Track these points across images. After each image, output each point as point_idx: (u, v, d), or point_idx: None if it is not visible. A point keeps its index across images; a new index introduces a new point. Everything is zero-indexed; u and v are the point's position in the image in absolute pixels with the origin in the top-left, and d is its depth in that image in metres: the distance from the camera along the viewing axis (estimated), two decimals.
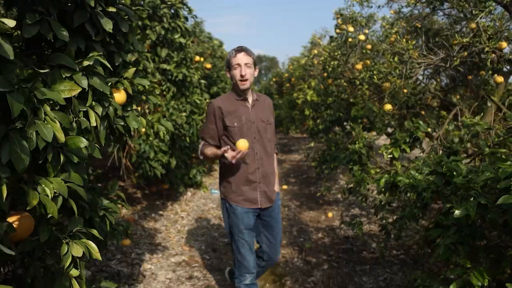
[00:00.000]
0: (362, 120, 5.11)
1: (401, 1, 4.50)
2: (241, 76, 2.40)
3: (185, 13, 4.30)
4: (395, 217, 3.15)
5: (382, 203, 3.17)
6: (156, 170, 4.02)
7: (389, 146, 2.52)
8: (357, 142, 3.17)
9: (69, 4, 1.33)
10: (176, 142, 4.29)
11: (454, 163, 1.82)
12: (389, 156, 2.89)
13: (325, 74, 5.52)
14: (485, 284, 1.66)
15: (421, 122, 2.42)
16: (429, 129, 3.86)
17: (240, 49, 2.43)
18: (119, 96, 1.69)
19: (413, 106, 4.58)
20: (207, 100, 5.78)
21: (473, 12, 3.12)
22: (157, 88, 2.01)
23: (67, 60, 1.34)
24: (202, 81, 4.98)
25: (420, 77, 5.07)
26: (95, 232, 1.48)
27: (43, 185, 1.21)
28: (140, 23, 2.78)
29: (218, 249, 4.19)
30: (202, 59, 6.53)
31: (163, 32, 3.81)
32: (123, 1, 1.66)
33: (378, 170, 3.25)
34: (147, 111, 3.45)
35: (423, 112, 5.36)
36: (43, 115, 1.16)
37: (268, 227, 2.68)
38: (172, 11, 4.04)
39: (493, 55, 2.88)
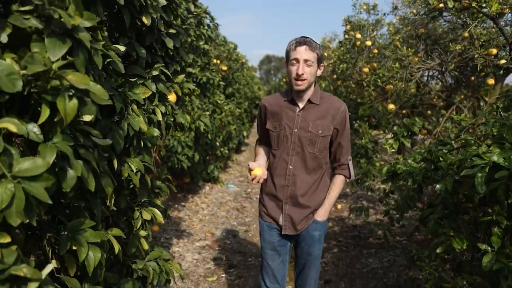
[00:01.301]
0: (370, 119, 5.51)
1: (405, 9, 4.90)
2: (297, 75, 1.98)
3: (207, 21, 4.74)
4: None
5: (386, 191, 3.58)
6: (183, 163, 4.47)
7: (390, 139, 2.92)
8: (363, 138, 3.58)
9: (143, 29, 1.77)
10: (200, 138, 4.74)
11: (441, 152, 2.22)
12: (392, 150, 3.29)
13: (335, 76, 5.93)
14: (464, 248, 2.06)
15: (417, 119, 2.82)
16: (431, 127, 4.27)
17: (302, 41, 1.99)
18: (171, 97, 2.13)
19: (415, 106, 4.97)
20: (223, 101, 6.23)
21: (468, 22, 3.51)
22: (197, 91, 2.45)
23: (140, 71, 1.78)
24: (221, 83, 5.42)
25: (426, 78, 5.47)
26: (158, 202, 1.92)
27: (129, 163, 1.64)
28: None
29: (238, 235, 4.63)
30: (218, 61, 6.98)
31: (189, 39, 4.24)
32: (174, 21, 2.10)
33: (382, 163, 3.66)
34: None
35: (429, 112, 5.75)
36: (131, 112, 1.60)
37: (297, 255, 2.28)
38: (197, 20, 4.48)
39: (482, 60, 3.27)
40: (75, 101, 0.87)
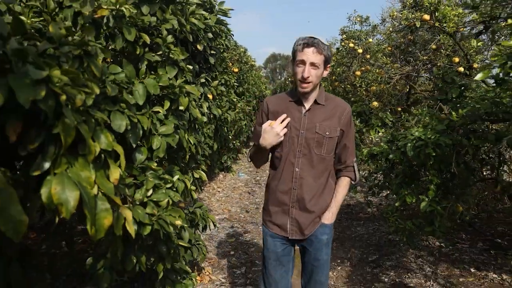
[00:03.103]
0: (365, 115, 6.39)
1: (391, 21, 5.78)
2: (303, 77, 1.90)
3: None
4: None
5: (370, 172, 4.48)
6: (205, 150, 5.38)
7: (368, 128, 3.81)
8: None
9: (195, 51, 2.68)
10: (218, 131, 5.66)
11: (400, 135, 3.11)
12: (376, 138, 4.18)
13: (334, 77, 6.82)
14: (413, 201, 2.96)
15: (388, 113, 3.70)
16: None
17: (310, 43, 1.87)
18: (210, 97, 3.05)
19: (402, 103, 5.85)
20: (236, 99, 7.14)
21: (438, 36, 4.40)
22: (224, 91, 3.37)
23: (194, 79, 2.70)
24: (235, 83, 6.33)
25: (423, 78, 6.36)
26: (203, 167, 2.84)
27: (189, 139, 2.56)
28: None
29: (250, 211, 5.56)
30: (230, 64, 7.90)
31: None
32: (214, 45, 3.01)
33: (368, 148, 4.56)
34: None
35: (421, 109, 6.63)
36: (190, 105, 2.52)
37: (303, 260, 2.18)
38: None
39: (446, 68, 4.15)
40: (187, 98, 1.79)
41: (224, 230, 4.80)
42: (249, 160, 2.26)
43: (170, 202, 1.68)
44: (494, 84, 2.07)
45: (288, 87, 16.33)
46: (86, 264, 1.84)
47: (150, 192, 1.63)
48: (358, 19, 6.12)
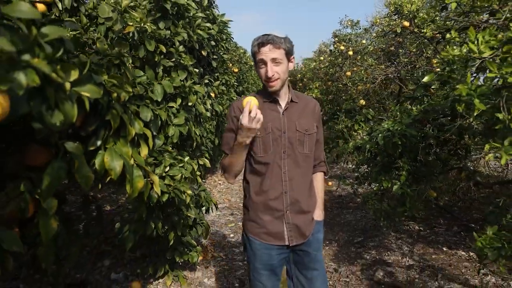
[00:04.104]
0: (354, 112, 6.85)
1: (381, 25, 6.22)
2: (267, 77, 1.84)
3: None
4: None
5: (357, 163, 4.94)
6: (207, 144, 5.84)
7: (353, 122, 4.25)
8: (339, 124, 4.92)
9: (200, 57, 3.13)
10: (219, 126, 6.11)
11: (377, 128, 3.56)
12: (364, 134, 4.62)
13: (327, 77, 7.28)
14: (389, 186, 3.41)
15: (370, 110, 4.15)
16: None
17: (265, 41, 1.80)
18: (212, 95, 3.50)
19: (391, 101, 6.30)
20: (236, 98, 7.58)
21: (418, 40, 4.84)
22: (225, 90, 3.83)
23: (199, 80, 3.15)
24: (235, 83, 6.79)
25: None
26: (206, 155, 3.30)
27: (195, 130, 3.01)
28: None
29: None
30: (231, 64, 8.34)
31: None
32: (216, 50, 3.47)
33: (354, 141, 5.01)
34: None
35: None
36: (195, 102, 2.98)
37: (302, 268, 2.02)
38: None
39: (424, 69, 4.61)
40: (195, 96, 2.25)
41: (224, 216, 5.26)
42: (223, 172, 2.07)
43: (183, 176, 2.13)
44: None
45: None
46: (115, 228, 2.29)
47: (167, 168, 2.09)
48: (349, 23, 6.58)
